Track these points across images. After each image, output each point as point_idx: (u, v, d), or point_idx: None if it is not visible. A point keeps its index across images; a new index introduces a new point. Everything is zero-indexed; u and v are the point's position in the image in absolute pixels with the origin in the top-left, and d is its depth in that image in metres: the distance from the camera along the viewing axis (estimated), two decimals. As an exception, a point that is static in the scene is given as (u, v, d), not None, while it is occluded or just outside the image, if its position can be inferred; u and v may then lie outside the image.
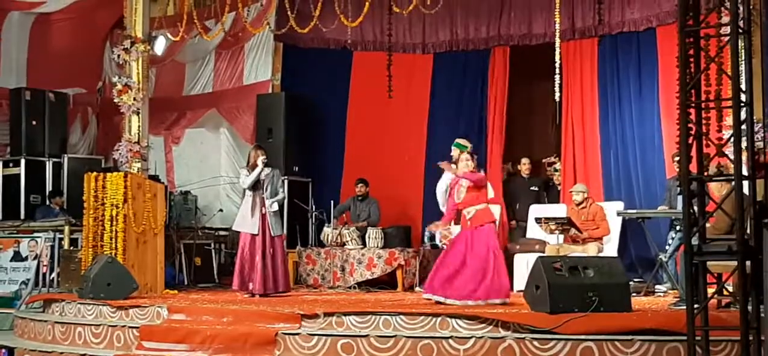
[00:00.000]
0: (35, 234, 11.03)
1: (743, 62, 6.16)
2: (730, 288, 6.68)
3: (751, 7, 6.53)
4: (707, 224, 5.81)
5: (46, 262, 10.69)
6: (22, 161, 12.54)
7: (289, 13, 10.61)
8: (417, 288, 10.84)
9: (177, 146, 13.92)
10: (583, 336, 6.53)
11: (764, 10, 7.73)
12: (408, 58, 12.67)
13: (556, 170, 11.82)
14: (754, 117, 5.83)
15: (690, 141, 5.59)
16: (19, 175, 12.53)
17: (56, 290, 10.33)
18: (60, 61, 13.43)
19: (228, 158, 13.48)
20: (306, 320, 7.55)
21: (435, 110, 12.65)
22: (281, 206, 10.27)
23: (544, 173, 12.16)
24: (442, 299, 8.05)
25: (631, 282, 8.18)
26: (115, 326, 8.10)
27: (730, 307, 6.95)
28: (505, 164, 12.24)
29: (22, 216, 12.24)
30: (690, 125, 5.59)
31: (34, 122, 12.72)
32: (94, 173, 9.93)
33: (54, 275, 10.65)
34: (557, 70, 10.03)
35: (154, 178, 11.35)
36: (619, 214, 10.13)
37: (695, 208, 5.65)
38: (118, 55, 10.52)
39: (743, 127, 5.55)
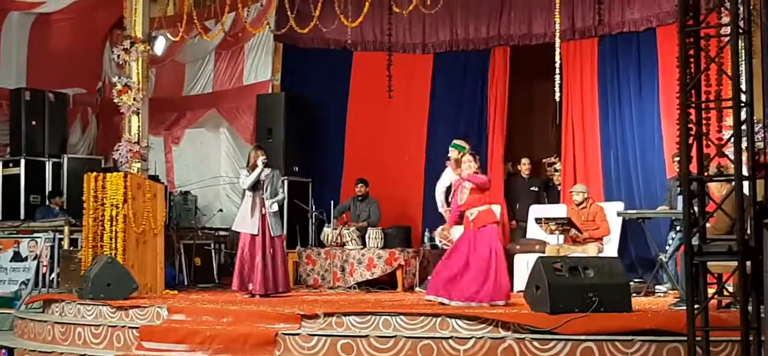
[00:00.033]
0: (35, 234, 11.03)
1: (743, 62, 6.15)
2: (731, 289, 6.68)
3: (751, 7, 6.53)
4: (707, 225, 5.80)
5: (46, 262, 10.69)
6: (22, 161, 12.53)
7: (288, 13, 10.60)
8: (417, 289, 10.84)
9: (177, 146, 13.92)
10: (583, 337, 6.53)
11: (764, 11, 7.73)
12: (408, 58, 12.67)
13: (556, 171, 11.82)
14: (755, 117, 5.83)
15: (690, 141, 5.59)
16: (18, 175, 12.53)
17: (56, 290, 10.33)
18: (60, 62, 13.42)
19: (228, 158, 13.47)
20: (306, 320, 7.55)
21: (435, 110, 12.65)
22: (281, 207, 10.27)
23: (544, 174, 12.16)
24: (445, 300, 8.04)
25: (631, 283, 8.18)
26: (115, 326, 8.11)
27: (731, 307, 6.95)
28: (505, 164, 12.23)
29: (22, 216, 12.23)
30: (690, 126, 5.58)
31: (33, 122, 12.72)
32: (94, 174, 9.93)
33: (54, 275, 10.65)
34: (557, 71, 10.03)
35: (154, 178, 11.35)
36: (619, 214, 10.12)
37: (695, 208, 5.65)
38: (118, 56, 10.51)
39: (743, 127, 5.55)
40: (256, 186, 9.61)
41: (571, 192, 10.47)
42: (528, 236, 10.96)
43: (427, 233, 11.56)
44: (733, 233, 5.77)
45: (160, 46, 12.13)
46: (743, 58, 6.18)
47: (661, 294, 9.58)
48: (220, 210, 13.01)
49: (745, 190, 5.63)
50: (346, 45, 12.57)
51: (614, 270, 7.36)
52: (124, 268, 9.27)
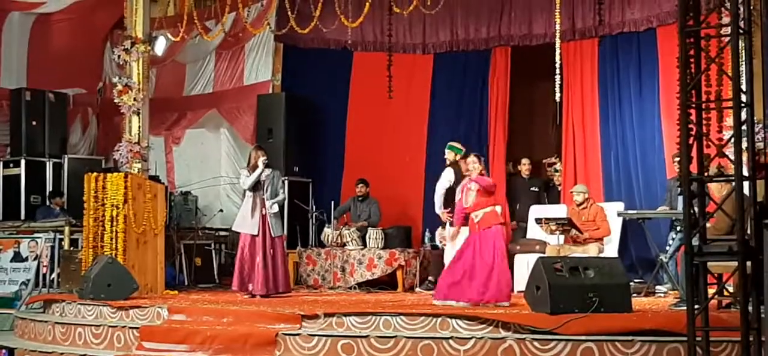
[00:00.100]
0: (35, 235, 11.04)
1: (744, 63, 6.16)
2: (731, 289, 6.68)
3: (751, 7, 6.52)
4: (708, 225, 5.80)
5: (47, 263, 10.70)
6: (23, 162, 12.54)
7: (289, 13, 10.60)
8: (417, 289, 10.84)
9: (177, 146, 13.93)
10: (583, 337, 6.53)
11: (765, 11, 7.72)
12: (408, 58, 12.67)
13: (556, 171, 11.82)
14: (755, 118, 5.83)
15: (690, 142, 5.58)
16: (19, 175, 12.54)
17: (56, 290, 10.33)
18: (60, 62, 13.42)
19: (228, 158, 13.48)
20: (306, 320, 7.55)
21: (435, 111, 12.65)
22: (281, 207, 10.27)
23: (544, 174, 12.16)
24: (452, 303, 8.03)
25: (631, 283, 8.18)
26: (116, 326, 8.11)
27: (731, 308, 6.95)
28: (506, 164, 12.23)
29: (23, 217, 12.24)
30: (690, 126, 5.58)
31: (34, 123, 12.72)
32: (95, 174, 9.94)
33: (54, 275, 10.65)
34: (558, 71, 10.02)
35: (155, 178, 11.35)
36: (619, 214, 10.12)
37: (696, 208, 5.65)
38: (119, 56, 10.51)
39: (744, 127, 5.55)
40: (256, 187, 9.61)
41: (571, 192, 10.47)
42: (528, 236, 10.95)
43: (427, 234, 11.55)
44: (733, 234, 5.77)
45: (160, 46, 12.14)
46: (743, 58, 6.19)
47: (662, 295, 9.58)
48: (221, 210, 13.01)
49: (746, 190, 5.63)
50: (346, 45, 12.57)
51: (614, 271, 7.36)
52: (125, 268, 9.27)
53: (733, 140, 5.52)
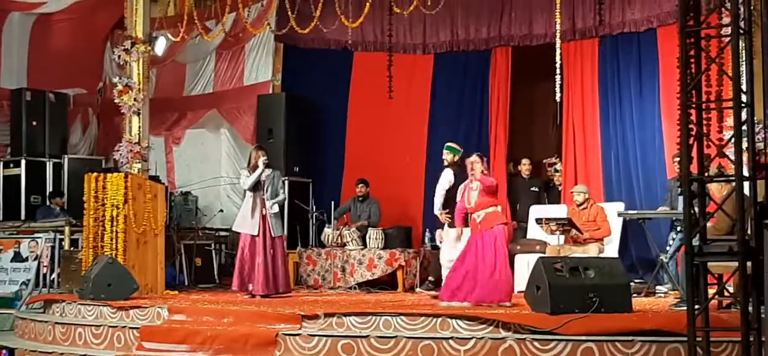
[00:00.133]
0: (36, 235, 11.04)
1: (744, 63, 6.16)
2: (731, 289, 6.68)
3: (751, 7, 6.52)
4: (708, 225, 5.80)
5: (47, 263, 10.70)
6: (23, 162, 12.55)
7: (289, 13, 10.60)
8: (418, 289, 10.83)
9: (177, 146, 13.93)
10: (583, 337, 6.53)
11: (765, 11, 7.72)
12: (408, 58, 12.67)
13: (556, 171, 11.82)
14: (755, 118, 5.83)
15: (691, 142, 5.58)
16: (19, 175, 12.54)
17: (57, 290, 10.33)
18: (60, 62, 13.42)
19: (228, 158, 13.48)
20: (306, 321, 7.55)
21: (435, 111, 12.65)
22: (282, 207, 10.27)
23: (544, 174, 12.16)
24: (457, 304, 8.02)
25: (631, 283, 8.18)
26: (116, 327, 8.11)
27: (731, 308, 6.95)
28: (506, 164, 12.22)
29: (23, 217, 12.24)
30: (691, 126, 5.58)
31: (34, 123, 12.73)
32: (95, 174, 9.94)
33: (54, 275, 10.66)
34: (558, 71, 10.02)
35: (155, 178, 11.35)
36: (619, 215, 10.12)
37: (696, 209, 5.65)
38: (119, 56, 10.51)
39: (744, 128, 5.55)
40: (256, 187, 9.61)
41: (571, 193, 10.47)
42: (528, 236, 10.95)
43: (427, 234, 11.54)
44: (733, 234, 5.77)
45: (160, 46, 12.14)
46: (744, 58, 6.19)
47: (662, 295, 9.58)
48: (221, 211, 13.01)
49: (746, 190, 5.63)
50: (346, 45, 12.57)
51: (615, 271, 7.36)
52: (125, 268, 9.27)
53: (733, 140, 5.51)
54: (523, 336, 6.71)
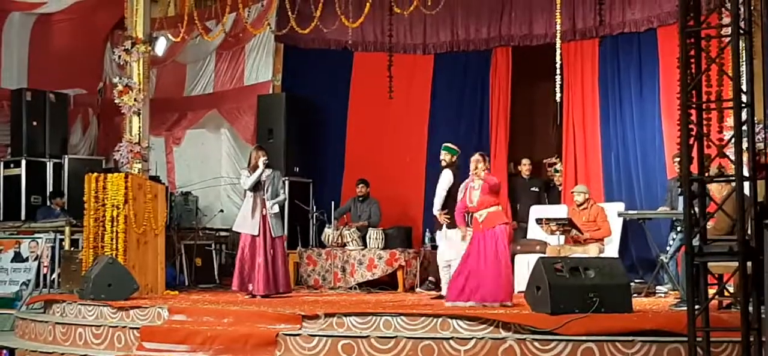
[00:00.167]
0: (36, 235, 11.04)
1: (744, 63, 6.16)
2: (731, 289, 6.67)
3: (752, 7, 6.53)
4: (708, 225, 5.80)
5: (47, 263, 10.70)
6: (23, 162, 12.54)
7: (289, 13, 10.60)
8: (418, 289, 10.84)
9: (178, 146, 13.93)
10: (583, 337, 6.52)
11: (765, 11, 7.72)
12: (409, 58, 12.67)
13: (556, 171, 11.82)
14: (755, 118, 5.83)
15: (691, 142, 5.58)
16: (19, 176, 12.54)
17: (57, 291, 10.33)
18: (61, 62, 13.42)
19: (229, 158, 13.48)
20: (307, 321, 7.55)
21: (436, 111, 12.65)
22: (282, 207, 10.27)
23: (544, 174, 12.16)
24: (463, 304, 8.00)
25: (631, 283, 8.18)
26: (116, 327, 8.11)
27: (731, 308, 6.95)
28: (507, 164, 12.22)
29: (23, 217, 12.24)
30: (691, 126, 5.58)
31: (34, 123, 12.72)
32: (95, 174, 9.94)
33: (55, 276, 10.65)
34: (558, 71, 10.01)
35: (155, 179, 11.35)
36: (619, 215, 10.12)
37: (696, 209, 5.65)
38: (119, 56, 10.51)
39: (744, 128, 5.55)
40: (256, 187, 9.62)
41: (572, 193, 10.47)
42: (529, 236, 10.95)
43: (427, 234, 11.55)
44: (733, 234, 5.76)
45: (161, 46, 12.14)
46: (744, 58, 6.19)
47: (662, 295, 9.58)
48: (221, 211, 13.01)
49: (746, 190, 5.63)
50: (346, 45, 12.57)
51: (615, 271, 7.35)
52: (125, 269, 9.27)
53: (733, 140, 5.51)
54: (524, 336, 6.71)
